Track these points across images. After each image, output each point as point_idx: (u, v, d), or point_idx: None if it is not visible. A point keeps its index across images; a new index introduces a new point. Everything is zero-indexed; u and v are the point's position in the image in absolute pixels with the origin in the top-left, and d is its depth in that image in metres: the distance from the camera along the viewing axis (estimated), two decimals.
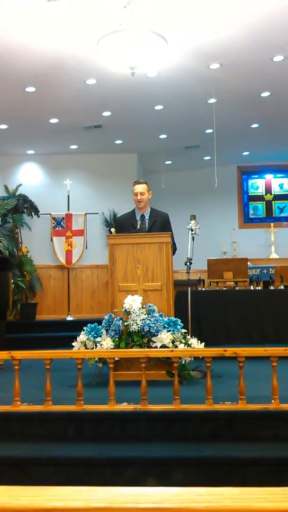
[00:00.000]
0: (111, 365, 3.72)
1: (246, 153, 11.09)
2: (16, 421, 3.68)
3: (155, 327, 4.46)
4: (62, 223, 9.85)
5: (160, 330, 4.47)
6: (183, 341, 4.49)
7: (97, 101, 7.79)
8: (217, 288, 7.49)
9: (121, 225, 5.47)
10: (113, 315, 4.71)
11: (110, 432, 3.60)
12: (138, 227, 5.18)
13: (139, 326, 4.48)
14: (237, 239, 11.60)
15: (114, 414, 3.61)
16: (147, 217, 5.36)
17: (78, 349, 4.60)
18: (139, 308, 4.57)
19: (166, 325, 4.52)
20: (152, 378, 4.08)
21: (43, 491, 1.05)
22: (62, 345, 5.37)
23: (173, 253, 5.31)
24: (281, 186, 12.32)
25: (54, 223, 9.86)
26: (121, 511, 1.00)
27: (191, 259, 5.19)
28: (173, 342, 4.45)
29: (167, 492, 1.01)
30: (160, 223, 5.32)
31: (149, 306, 4.61)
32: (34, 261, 9.52)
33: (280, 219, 12.16)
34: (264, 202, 12.32)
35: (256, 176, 12.33)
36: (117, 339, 4.53)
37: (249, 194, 12.33)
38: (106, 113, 8.32)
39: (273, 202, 12.31)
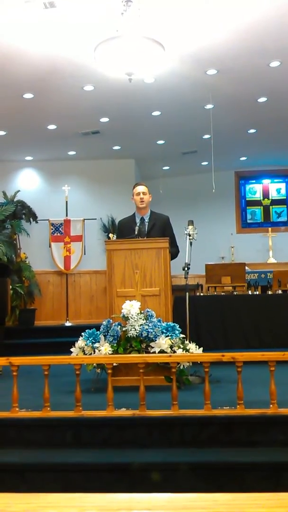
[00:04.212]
0: (110, 371, 3.71)
1: (243, 158, 11.12)
2: (15, 427, 3.67)
3: (153, 333, 4.46)
4: (60, 229, 9.86)
5: (158, 336, 4.47)
6: (181, 346, 4.48)
7: (94, 107, 7.82)
8: (215, 293, 7.49)
9: (122, 229, 5.47)
10: (111, 320, 4.70)
11: (108, 438, 3.58)
12: (137, 230, 5.16)
13: (137, 331, 4.48)
14: (235, 244, 11.62)
15: (113, 419, 3.60)
16: (146, 219, 5.36)
17: (77, 354, 4.60)
18: (137, 314, 4.56)
19: (164, 330, 4.52)
20: (150, 384, 4.08)
21: (37, 498, 1.05)
22: (61, 350, 5.35)
23: (176, 256, 5.31)
24: (278, 191, 12.35)
25: (52, 229, 9.87)
26: None
27: (189, 264, 5.19)
28: (171, 347, 4.45)
29: (160, 498, 1.01)
30: (160, 226, 5.32)
31: (147, 311, 4.61)
32: (33, 267, 9.53)
33: (278, 224, 12.19)
34: (262, 207, 12.35)
35: (254, 181, 12.37)
36: (115, 345, 4.53)
37: (247, 199, 12.36)
38: (104, 119, 8.35)
39: (270, 207, 12.34)
